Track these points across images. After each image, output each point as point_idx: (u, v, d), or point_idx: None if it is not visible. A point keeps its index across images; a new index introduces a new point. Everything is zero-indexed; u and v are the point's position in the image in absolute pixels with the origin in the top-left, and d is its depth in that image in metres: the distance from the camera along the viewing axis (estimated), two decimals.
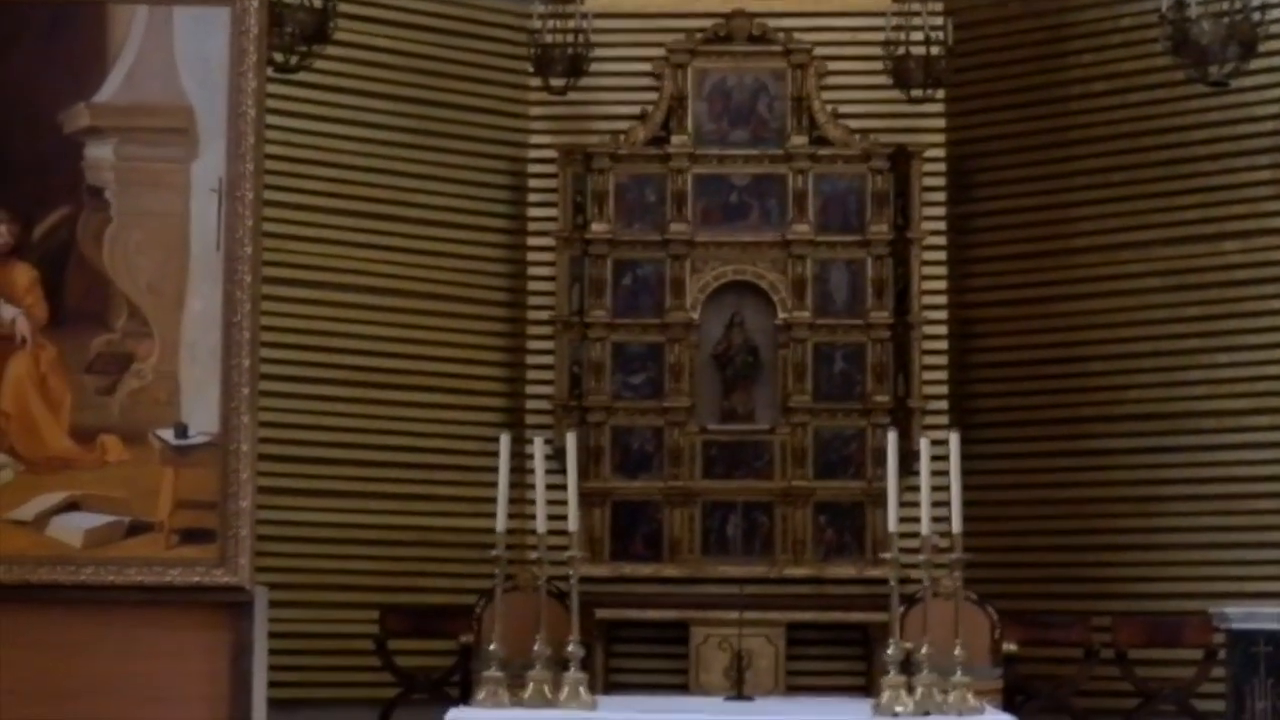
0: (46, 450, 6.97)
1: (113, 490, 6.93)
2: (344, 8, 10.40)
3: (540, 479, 7.47)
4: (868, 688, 10.55)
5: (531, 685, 7.23)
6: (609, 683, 10.89)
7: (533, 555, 7.53)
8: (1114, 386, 11.13)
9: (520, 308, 11.77)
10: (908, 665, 7.18)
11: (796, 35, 11.74)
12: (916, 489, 7.50)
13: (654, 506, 11.41)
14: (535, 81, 11.56)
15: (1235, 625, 8.71)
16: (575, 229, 11.55)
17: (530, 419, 11.52)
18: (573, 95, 11.49)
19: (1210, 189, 10.85)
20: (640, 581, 11.29)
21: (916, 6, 11.21)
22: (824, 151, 11.60)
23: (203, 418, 6.95)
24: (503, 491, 7.43)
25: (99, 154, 7.04)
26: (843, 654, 11.32)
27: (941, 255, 11.71)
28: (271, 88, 7.91)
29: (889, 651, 7.16)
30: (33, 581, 6.87)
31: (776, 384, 11.52)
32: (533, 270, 11.78)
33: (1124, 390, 11.09)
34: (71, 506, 6.94)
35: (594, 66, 11.45)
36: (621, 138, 11.70)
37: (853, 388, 11.45)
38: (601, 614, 10.70)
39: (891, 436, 7.49)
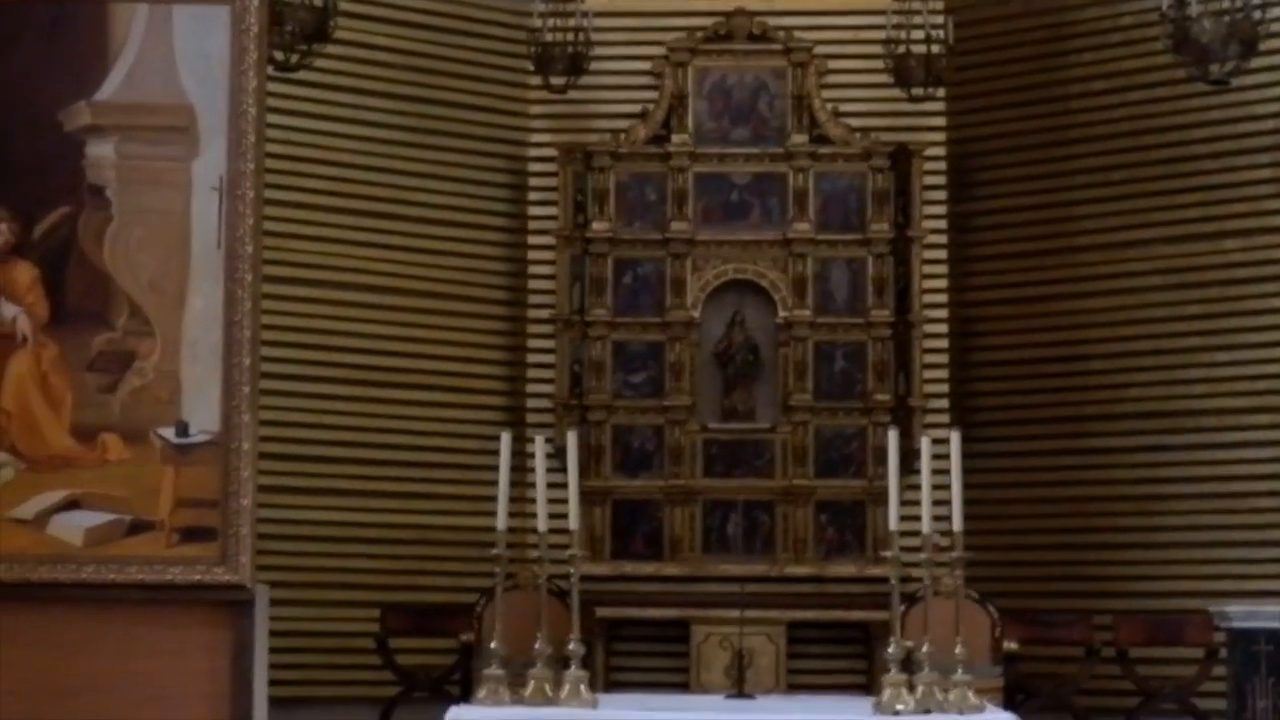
0: (47, 449, 6.97)
1: (113, 489, 6.93)
2: (344, 6, 10.40)
3: (541, 477, 7.48)
4: (868, 686, 10.56)
5: (532, 683, 7.24)
6: (610, 681, 10.89)
7: (533, 554, 7.54)
8: (1115, 385, 11.12)
9: (521, 306, 11.76)
10: (909, 664, 7.18)
11: (797, 34, 11.74)
12: (917, 487, 7.50)
13: (655, 505, 11.41)
14: (535, 80, 11.56)
15: (1236, 624, 8.72)
16: (576, 227, 11.55)
17: (531, 418, 11.52)
18: (573, 94, 11.49)
19: (1211, 187, 10.84)
20: (641, 580, 11.29)
21: (917, 5, 11.20)
22: (824, 150, 11.60)
23: (204, 416, 6.95)
24: (503, 490, 7.43)
25: (100, 152, 7.04)
26: (844, 652, 11.32)
27: (942, 254, 11.70)
28: (272, 86, 7.90)
29: (890, 650, 7.17)
30: (33, 580, 6.87)
31: (777, 383, 11.51)
32: (533, 269, 11.77)
33: (1125, 389, 11.09)
34: (72, 505, 6.94)
35: (594, 65, 11.45)
36: (622, 136, 11.70)
37: (853, 386, 11.45)
38: (602, 612, 10.71)
39: (892, 435, 7.49)
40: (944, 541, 7.48)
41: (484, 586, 10.07)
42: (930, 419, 11.23)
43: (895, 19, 11.24)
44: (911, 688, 7.09)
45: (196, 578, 6.89)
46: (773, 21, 11.76)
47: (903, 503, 7.35)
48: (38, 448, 6.97)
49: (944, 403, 11.52)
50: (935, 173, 11.68)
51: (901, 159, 11.51)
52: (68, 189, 7.04)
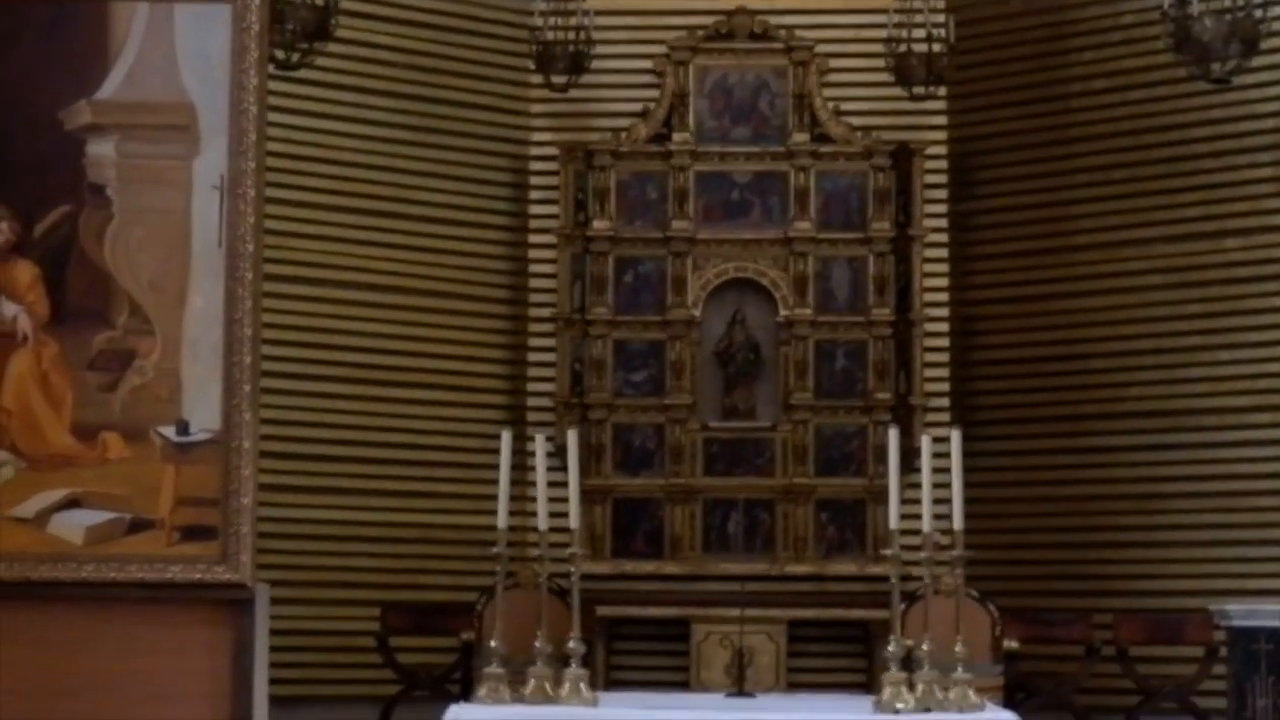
0: (48, 447, 6.97)
1: (114, 487, 6.93)
2: (345, 5, 10.40)
3: (541, 476, 7.49)
4: (869, 685, 10.56)
5: (533, 682, 7.25)
6: (610, 680, 10.90)
7: (534, 552, 7.54)
8: (1115, 384, 11.12)
9: (522, 305, 11.77)
10: (909, 662, 7.18)
11: (798, 32, 11.74)
12: (918, 486, 7.51)
13: (655, 504, 11.41)
14: (537, 78, 11.56)
15: (1236, 623, 8.72)
16: (576, 226, 11.55)
17: (531, 416, 11.52)
18: (574, 92, 11.49)
19: (1212, 186, 10.84)
20: (641, 579, 11.29)
21: (918, 4, 11.21)
22: (825, 149, 11.60)
23: (204, 415, 6.95)
24: (504, 488, 7.44)
25: (100, 151, 7.04)
26: (844, 651, 11.32)
27: (943, 252, 11.71)
28: (273, 84, 7.90)
29: (890, 648, 7.17)
30: (33, 579, 6.87)
31: (778, 381, 11.52)
32: (534, 267, 11.78)
33: (1125, 387, 11.09)
34: (72, 504, 6.94)
35: (595, 64, 11.45)
36: (623, 135, 11.70)
37: (854, 385, 11.45)
38: (602, 611, 10.71)
39: (893, 434, 7.50)
40: (944, 540, 7.48)
41: (484, 585, 10.07)
42: (931, 418, 11.23)
43: (896, 18, 11.25)
44: (912, 686, 7.09)
45: (197, 576, 6.89)
46: (774, 20, 11.77)
47: (903, 501, 7.35)
48: (38, 446, 6.97)
49: (944, 401, 11.52)
50: (936, 171, 11.69)
51: (902, 158, 11.51)
52: (68, 188, 7.03)
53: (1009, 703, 9.34)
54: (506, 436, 7.53)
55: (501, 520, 7.42)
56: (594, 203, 11.56)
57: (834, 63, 11.77)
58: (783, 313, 11.47)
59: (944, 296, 11.66)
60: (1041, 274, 11.44)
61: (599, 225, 11.52)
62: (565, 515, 7.50)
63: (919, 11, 11.20)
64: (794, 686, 10.73)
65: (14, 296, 7.03)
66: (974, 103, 11.78)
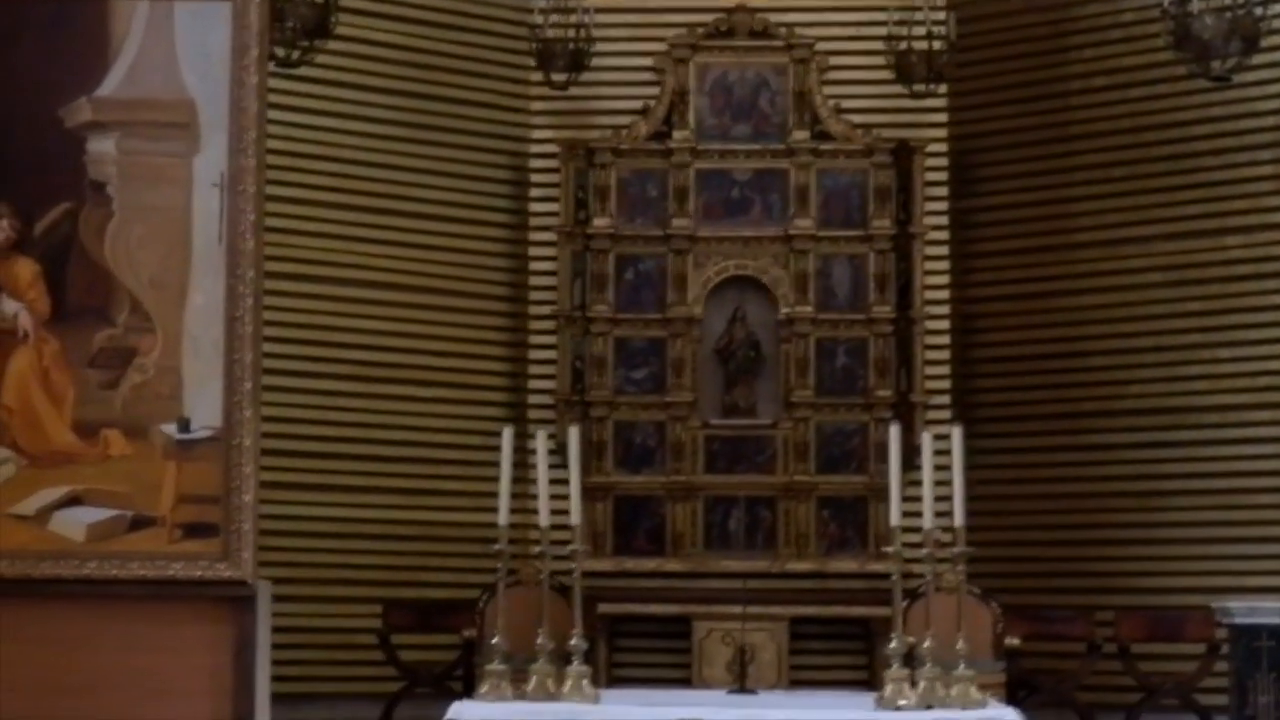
0: (49, 445, 6.97)
1: (115, 485, 6.93)
2: (345, 2, 10.40)
3: (543, 473, 7.49)
4: (870, 682, 10.56)
5: (534, 679, 7.25)
6: (611, 677, 10.90)
7: (535, 550, 7.53)
8: (1115, 381, 11.13)
9: (522, 302, 11.77)
10: (910, 659, 7.19)
11: (798, 30, 11.73)
12: (919, 483, 7.50)
13: (656, 501, 11.41)
14: (537, 76, 11.56)
15: (1237, 620, 8.73)
16: (577, 224, 11.55)
17: (532, 414, 11.52)
18: (574, 90, 11.49)
19: (1212, 184, 10.84)
20: (643, 576, 11.29)
21: (919, 1, 11.21)
22: (826, 146, 11.60)
23: (205, 412, 6.95)
24: (505, 486, 7.44)
25: (101, 148, 7.04)
26: (845, 648, 11.33)
27: (943, 250, 11.71)
28: (273, 82, 7.91)
29: (892, 646, 7.18)
30: (35, 576, 6.88)
31: (779, 379, 11.52)
32: (535, 265, 11.78)
33: (1125, 385, 11.09)
34: (74, 501, 6.94)
35: (596, 61, 11.45)
36: (623, 133, 11.70)
37: (855, 382, 11.45)
38: (604, 608, 10.72)
39: (894, 431, 7.50)
40: (945, 537, 7.48)
41: (486, 582, 10.08)
42: (931, 415, 11.23)
43: (897, 15, 11.25)
44: (913, 683, 7.10)
45: (198, 573, 6.89)
46: (774, 18, 11.76)
47: (904, 498, 7.35)
48: (39, 444, 6.97)
49: (945, 398, 11.52)
50: (937, 169, 11.69)
51: (903, 155, 11.51)
52: (69, 185, 7.04)
53: (1011, 700, 9.34)
54: (508, 434, 7.53)
55: (503, 517, 7.43)
56: (594, 200, 11.56)
57: (834, 60, 11.77)
58: (783, 310, 11.48)
59: (944, 294, 11.66)
60: (1042, 271, 11.44)
61: (599, 223, 11.52)
62: (567, 512, 7.50)
63: (919, 9, 11.21)
64: (795, 684, 10.73)
65: (15, 294, 7.03)
66: (974, 100, 11.78)
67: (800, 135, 11.59)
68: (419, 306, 11.34)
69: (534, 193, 11.83)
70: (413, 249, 11.36)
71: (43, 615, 6.86)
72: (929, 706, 7.02)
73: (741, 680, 8.06)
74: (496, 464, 7.57)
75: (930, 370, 11.50)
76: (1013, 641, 10.21)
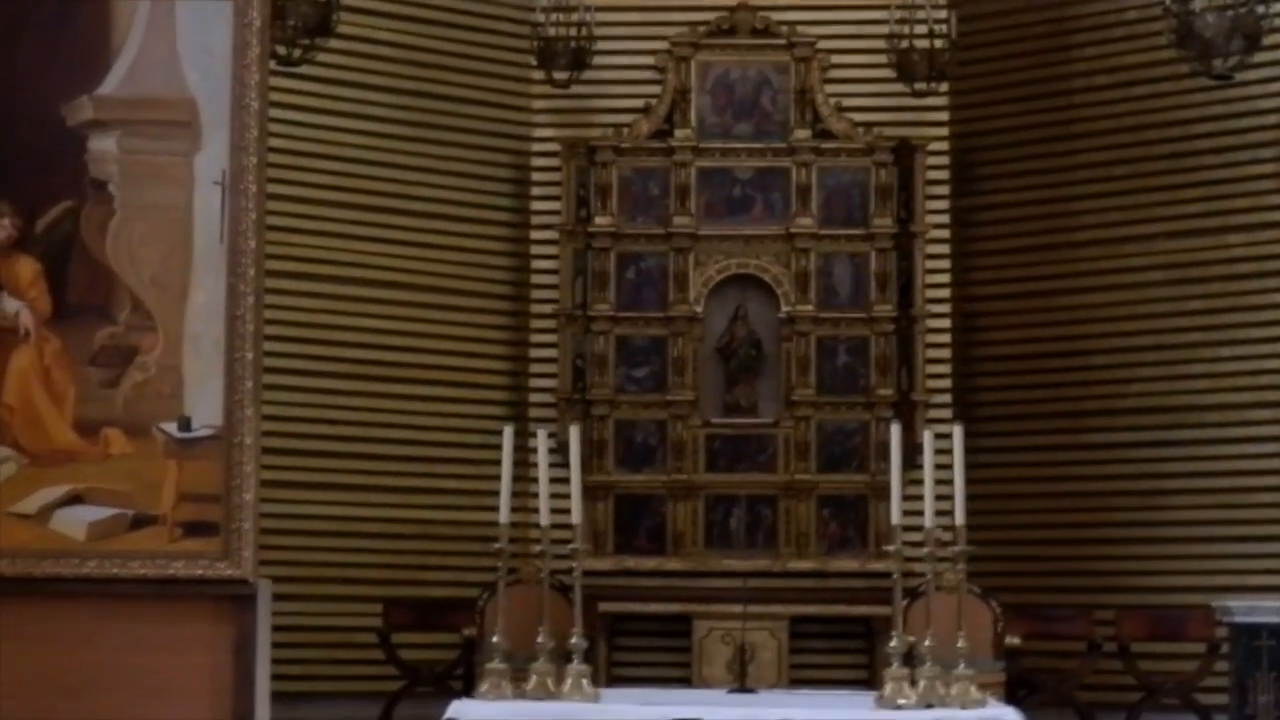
0: (50, 443, 6.97)
1: (116, 483, 6.93)
2: (347, 1, 10.40)
3: (543, 472, 7.49)
4: (871, 681, 10.55)
5: (534, 678, 7.25)
6: (612, 676, 10.90)
7: (536, 548, 7.53)
8: (1116, 380, 11.12)
9: (523, 301, 11.77)
10: (911, 658, 7.18)
11: (800, 28, 11.73)
12: (919, 482, 7.49)
13: (657, 500, 11.41)
14: (538, 75, 11.56)
15: (1238, 619, 8.72)
16: (578, 222, 11.55)
17: (533, 412, 11.52)
18: (576, 88, 11.49)
19: (1213, 182, 10.84)
20: (643, 575, 11.28)
21: (920, 0, 11.20)
22: (827, 145, 11.59)
23: (206, 411, 6.95)
24: (506, 485, 7.44)
25: (102, 147, 7.04)
26: (846, 647, 11.33)
27: (945, 248, 11.70)
28: (274, 81, 7.90)
29: (892, 644, 7.17)
30: (36, 575, 6.87)
31: (780, 377, 11.52)
32: (536, 263, 11.78)
33: (1126, 384, 11.08)
34: (75, 499, 6.94)
35: (597, 60, 11.46)
36: (625, 131, 11.69)
37: (856, 381, 11.45)
38: (604, 607, 10.72)
39: (895, 430, 7.49)
40: (946, 536, 7.47)
41: (486, 581, 10.08)
42: (932, 414, 11.22)
43: (898, 14, 11.25)
44: (914, 682, 7.09)
45: (199, 572, 6.89)
46: (776, 16, 11.76)
47: (905, 497, 7.35)
48: (40, 442, 6.97)
49: (946, 397, 11.51)
50: (938, 167, 11.68)
51: (904, 154, 11.51)
52: (70, 183, 7.03)
53: (1011, 699, 9.34)
54: (508, 432, 7.53)
55: (503, 516, 7.42)
56: (596, 199, 11.56)
57: (836, 59, 11.77)
58: (784, 309, 11.47)
59: (946, 292, 11.66)
60: (1043, 270, 11.44)
61: (601, 221, 11.52)
62: (567, 511, 7.49)
63: (921, 7, 11.20)
64: (796, 683, 10.72)
65: (16, 292, 7.03)
66: (976, 98, 11.78)
67: (802, 134, 11.59)
68: (420, 305, 11.34)
69: (535, 191, 11.84)
70: (414, 247, 11.36)
71: (43, 614, 6.86)
72: (929, 705, 7.02)
73: (742, 679, 8.06)
74: (497, 463, 7.57)
75: (931, 369, 11.50)
76: (1013, 640, 10.20)
